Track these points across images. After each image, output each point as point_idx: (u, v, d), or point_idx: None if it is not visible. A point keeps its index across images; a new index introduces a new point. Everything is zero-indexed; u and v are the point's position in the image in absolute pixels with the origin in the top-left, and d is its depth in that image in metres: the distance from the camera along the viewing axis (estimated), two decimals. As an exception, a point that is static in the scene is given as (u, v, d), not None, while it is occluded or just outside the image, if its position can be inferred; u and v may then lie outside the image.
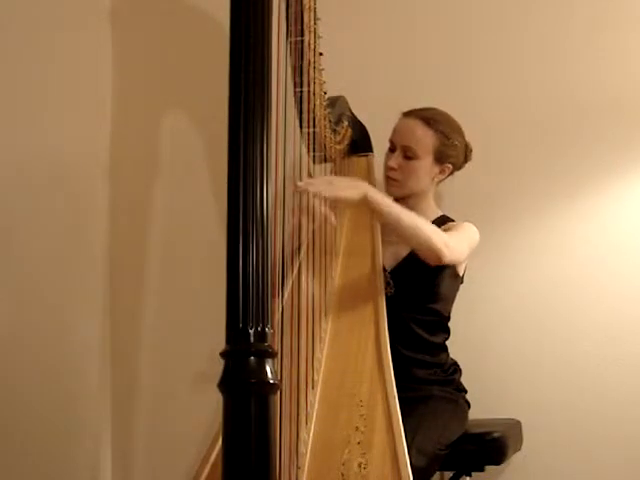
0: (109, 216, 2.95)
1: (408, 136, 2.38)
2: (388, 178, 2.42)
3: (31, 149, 2.63)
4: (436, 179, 2.43)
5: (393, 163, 2.39)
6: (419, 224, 2.16)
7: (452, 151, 2.40)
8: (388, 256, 2.35)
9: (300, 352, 1.98)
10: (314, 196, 2.07)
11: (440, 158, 2.39)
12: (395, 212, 2.15)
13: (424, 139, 2.36)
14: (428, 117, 2.37)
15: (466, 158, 2.48)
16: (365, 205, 2.13)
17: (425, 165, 2.38)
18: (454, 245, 2.21)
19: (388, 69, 2.85)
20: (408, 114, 2.42)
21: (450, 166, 2.42)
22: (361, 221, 2.38)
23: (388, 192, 2.44)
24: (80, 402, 2.80)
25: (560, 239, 2.77)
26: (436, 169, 2.40)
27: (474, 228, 2.40)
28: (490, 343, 2.76)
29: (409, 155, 2.38)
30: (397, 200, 2.46)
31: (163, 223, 2.93)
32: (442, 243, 2.16)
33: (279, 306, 2.05)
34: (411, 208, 2.44)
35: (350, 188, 2.12)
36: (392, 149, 2.43)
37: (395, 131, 2.43)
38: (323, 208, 2.13)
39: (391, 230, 2.24)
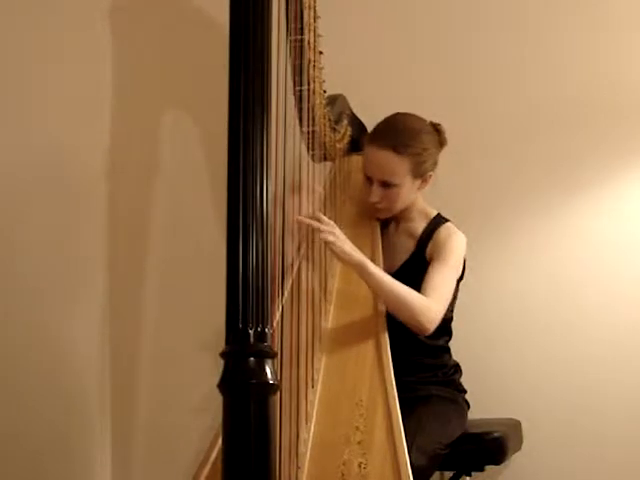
0: (109, 216, 2.94)
1: (382, 171, 2.33)
2: (375, 209, 2.40)
3: (31, 149, 2.63)
4: (421, 189, 2.40)
5: (375, 198, 2.36)
6: (404, 301, 2.17)
7: (428, 162, 2.36)
8: (385, 263, 2.34)
9: (300, 352, 1.98)
10: (316, 232, 2.17)
11: (419, 173, 2.35)
12: (385, 287, 2.17)
13: (399, 168, 2.32)
14: (396, 143, 2.31)
15: (441, 144, 2.42)
16: (356, 271, 2.19)
17: (406, 186, 2.35)
18: (437, 309, 2.21)
19: (388, 68, 2.85)
20: (374, 143, 2.35)
21: (431, 173, 2.38)
22: (361, 224, 2.37)
23: (377, 217, 2.44)
24: (80, 402, 2.80)
25: (560, 239, 2.77)
26: (418, 182, 2.37)
27: (460, 243, 2.35)
28: (490, 343, 2.75)
29: (389, 185, 2.34)
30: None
31: (163, 223, 2.93)
32: (426, 319, 2.18)
33: (279, 306, 2.05)
34: (401, 220, 2.44)
35: (352, 250, 2.17)
36: (369, 179, 2.38)
37: (368, 164, 2.38)
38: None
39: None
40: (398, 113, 2.40)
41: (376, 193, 2.36)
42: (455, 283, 2.31)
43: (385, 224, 2.47)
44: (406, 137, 2.33)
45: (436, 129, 2.40)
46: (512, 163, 2.80)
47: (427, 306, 2.18)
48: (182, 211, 2.92)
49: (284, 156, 1.80)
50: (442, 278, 2.27)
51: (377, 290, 2.19)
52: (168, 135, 2.93)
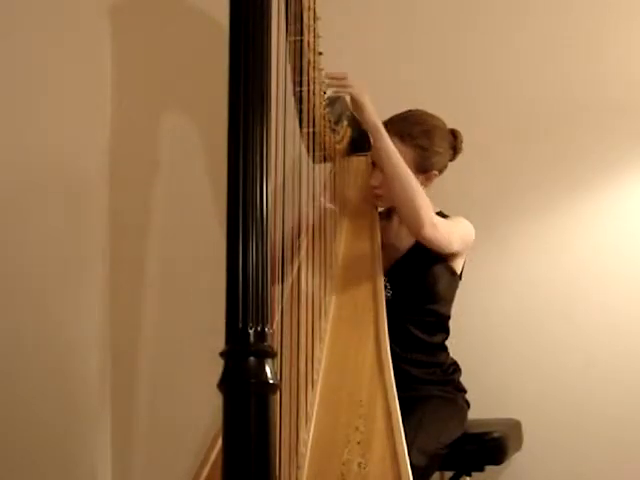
0: (109, 216, 2.95)
1: None
2: (374, 193, 2.42)
3: (31, 149, 2.63)
4: (423, 186, 2.41)
5: (375, 182, 2.38)
6: (416, 188, 2.18)
7: (433, 158, 2.36)
8: (390, 255, 2.35)
9: (300, 352, 1.98)
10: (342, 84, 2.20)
11: (422, 168, 2.36)
12: (397, 164, 2.18)
13: (402, 157, 2.31)
14: (404, 132, 2.33)
15: (456, 150, 2.44)
16: (372, 132, 2.23)
17: None
18: (442, 227, 2.23)
19: (388, 69, 2.85)
20: (385, 128, 2.35)
21: (436, 172, 2.39)
22: (361, 223, 2.38)
23: (376, 204, 2.44)
24: (80, 402, 2.80)
25: (560, 239, 2.77)
26: (420, 178, 2.36)
27: (469, 223, 2.39)
28: (490, 343, 2.75)
29: None
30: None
31: (163, 223, 2.93)
32: (429, 218, 2.18)
33: (279, 306, 2.05)
34: None
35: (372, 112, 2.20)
36: (374, 164, 2.41)
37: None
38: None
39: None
40: (417, 109, 2.41)
41: (376, 177, 2.38)
42: (461, 232, 2.33)
43: (389, 217, 2.48)
44: (415, 129, 2.35)
45: (453, 134, 2.42)
46: (512, 163, 2.80)
47: (434, 218, 2.21)
48: (182, 211, 2.92)
49: (284, 157, 1.81)
50: (450, 222, 2.32)
51: (389, 164, 2.22)
52: (168, 135, 2.93)
